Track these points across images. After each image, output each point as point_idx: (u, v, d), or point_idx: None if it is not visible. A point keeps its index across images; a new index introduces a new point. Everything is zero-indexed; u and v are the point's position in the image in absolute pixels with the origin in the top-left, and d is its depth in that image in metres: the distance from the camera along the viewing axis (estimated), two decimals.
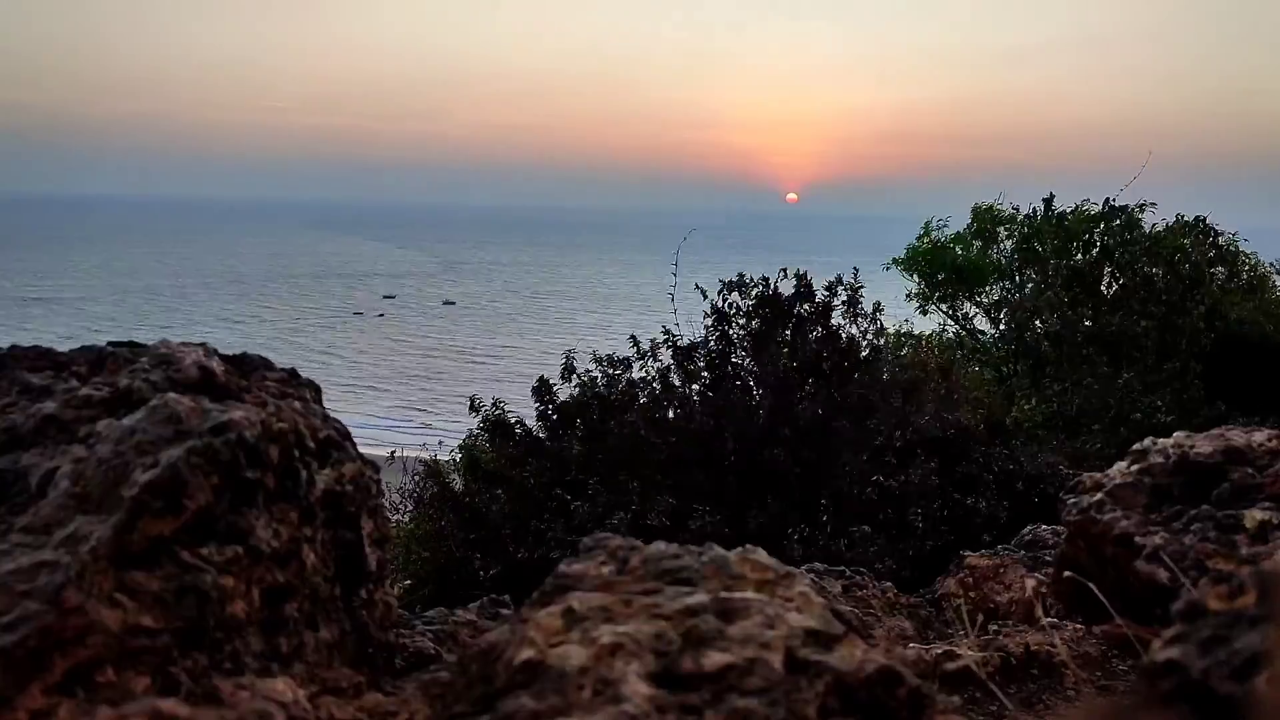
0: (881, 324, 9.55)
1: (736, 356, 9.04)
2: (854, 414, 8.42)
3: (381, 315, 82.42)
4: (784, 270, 9.39)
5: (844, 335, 9.02)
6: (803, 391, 8.60)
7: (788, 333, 8.92)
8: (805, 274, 9.28)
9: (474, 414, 9.55)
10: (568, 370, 9.36)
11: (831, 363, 8.74)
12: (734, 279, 9.26)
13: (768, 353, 8.79)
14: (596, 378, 9.31)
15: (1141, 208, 15.21)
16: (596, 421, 8.88)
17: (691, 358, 9.07)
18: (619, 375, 9.22)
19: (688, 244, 10.57)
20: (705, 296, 9.33)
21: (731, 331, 9.08)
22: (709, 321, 9.16)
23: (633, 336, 9.55)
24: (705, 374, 9.04)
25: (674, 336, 9.26)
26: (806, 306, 9.04)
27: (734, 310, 9.14)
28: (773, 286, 9.14)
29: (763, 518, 7.73)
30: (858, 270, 9.59)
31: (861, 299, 9.30)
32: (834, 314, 9.07)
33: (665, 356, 9.21)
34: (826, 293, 9.18)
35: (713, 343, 9.06)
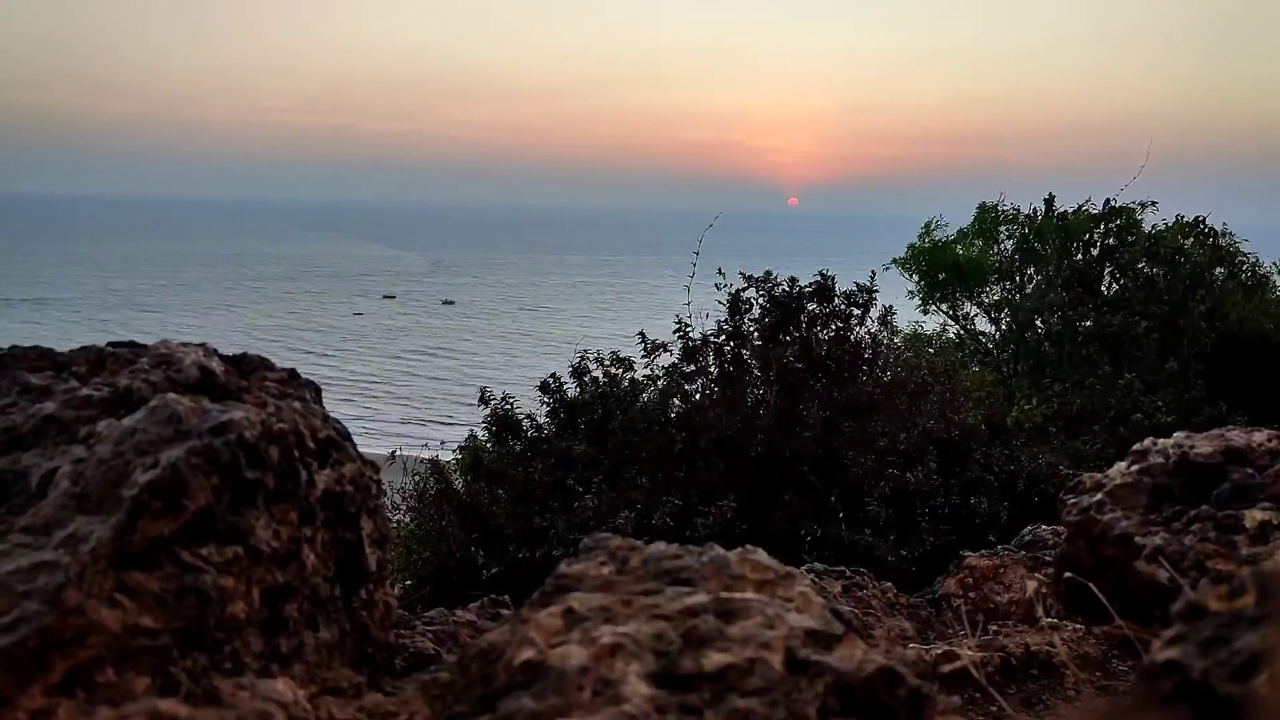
0: (893, 325, 9.61)
1: (747, 348, 9.07)
2: (859, 413, 8.44)
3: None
4: (790, 277, 9.44)
5: (853, 336, 9.06)
6: (810, 390, 8.61)
7: (798, 332, 8.95)
8: (832, 278, 9.33)
9: (483, 405, 9.57)
10: (578, 372, 9.38)
11: (838, 362, 8.77)
12: (758, 275, 9.29)
13: (776, 349, 8.82)
14: (599, 378, 9.33)
15: (1143, 206, 15.24)
16: (600, 420, 8.90)
17: (703, 351, 9.10)
18: (622, 375, 9.25)
19: (687, 248, 10.61)
20: (719, 288, 9.33)
21: (744, 326, 9.11)
22: (724, 312, 9.19)
23: (641, 333, 9.56)
24: (714, 367, 9.07)
25: (687, 327, 9.27)
26: (821, 306, 9.07)
27: (748, 305, 9.17)
28: (789, 285, 9.17)
29: (782, 517, 7.74)
30: (874, 274, 9.65)
31: (875, 302, 9.35)
32: (852, 320, 9.12)
33: (675, 351, 9.23)
34: (844, 302, 9.20)
35: (725, 335, 9.10)
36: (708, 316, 9.35)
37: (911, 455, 8.26)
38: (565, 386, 9.35)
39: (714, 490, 7.97)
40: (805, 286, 9.18)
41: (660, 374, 9.25)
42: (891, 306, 9.59)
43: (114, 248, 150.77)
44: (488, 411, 9.54)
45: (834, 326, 9.00)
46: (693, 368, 9.12)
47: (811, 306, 9.04)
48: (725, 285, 9.35)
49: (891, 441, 8.31)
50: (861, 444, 8.21)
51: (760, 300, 9.15)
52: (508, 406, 9.48)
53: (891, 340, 9.51)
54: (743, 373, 8.97)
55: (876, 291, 9.41)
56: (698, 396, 9.05)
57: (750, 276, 9.28)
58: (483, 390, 9.72)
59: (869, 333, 9.25)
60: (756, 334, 9.06)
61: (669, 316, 9.57)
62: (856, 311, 9.18)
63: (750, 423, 8.34)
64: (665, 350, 9.27)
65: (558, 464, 8.71)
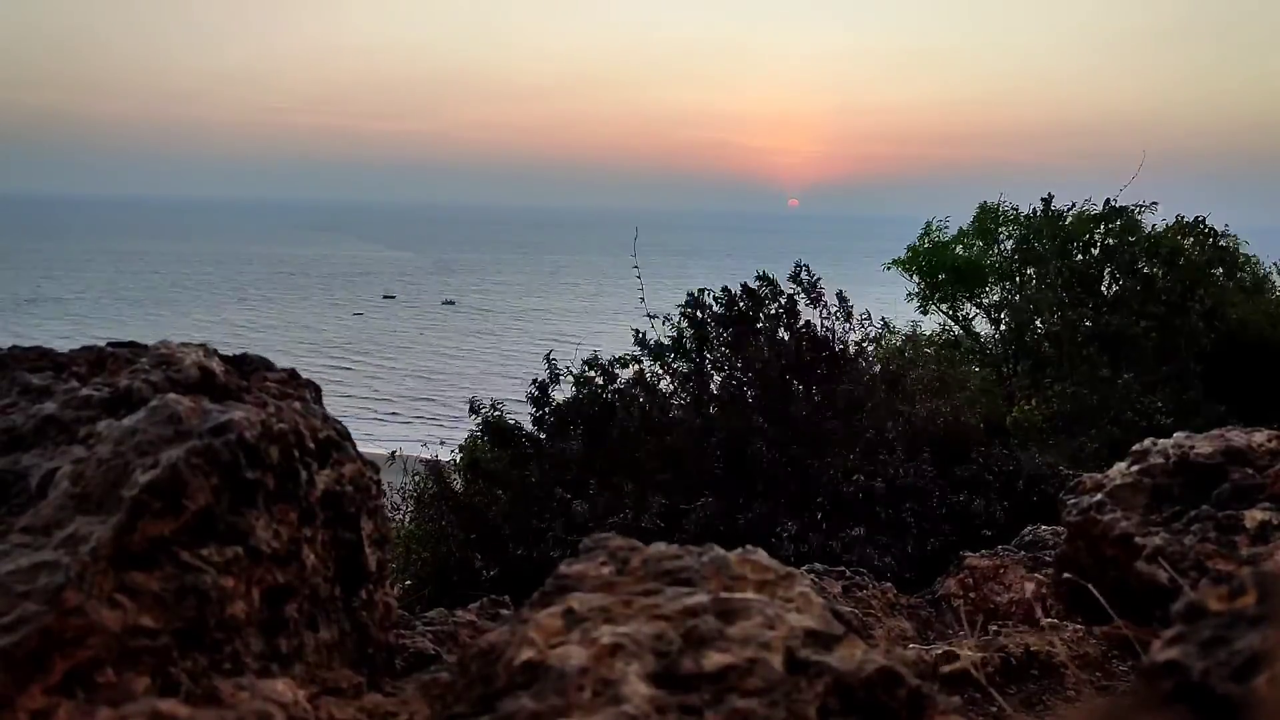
0: (861, 316, 9.63)
1: (714, 353, 9.15)
2: (841, 410, 8.44)
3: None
4: (720, 285, 9.51)
5: (822, 333, 9.09)
6: (790, 390, 8.63)
7: (760, 338, 8.99)
8: (768, 273, 9.42)
9: (474, 416, 9.59)
10: (553, 375, 9.42)
11: (810, 358, 8.80)
12: (694, 293, 9.36)
13: (747, 351, 8.87)
14: (593, 377, 9.35)
15: (1141, 208, 15.24)
16: (595, 422, 8.92)
17: (664, 355, 9.19)
18: (614, 374, 9.28)
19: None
20: (668, 319, 9.45)
21: (710, 334, 9.19)
22: (684, 325, 9.26)
23: (636, 331, 9.63)
24: (683, 366, 9.16)
25: (646, 339, 9.37)
26: (775, 305, 9.12)
27: (708, 320, 9.25)
28: (733, 295, 9.24)
29: (751, 514, 7.74)
30: (807, 265, 9.64)
31: (822, 291, 9.38)
32: (798, 307, 9.17)
33: (645, 360, 9.32)
34: (792, 284, 9.28)
35: (688, 341, 9.17)
36: (670, 320, 9.44)
37: (894, 446, 8.24)
38: (552, 393, 9.39)
39: (692, 488, 8.00)
40: (760, 287, 9.26)
41: (634, 381, 9.32)
42: (842, 292, 9.55)
43: (114, 248, 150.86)
44: (478, 420, 9.57)
45: (789, 325, 9.04)
46: (664, 374, 9.22)
47: (765, 309, 9.10)
48: (679, 311, 9.41)
49: (879, 433, 8.28)
50: (846, 441, 8.20)
51: (717, 307, 9.22)
52: (498, 414, 9.51)
53: (859, 332, 9.47)
54: (709, 375, 9.05)
55: (819, 280, 9.45)
56: (674, 397, 9.13)
57: (694, 298, 9.35)
58: (472, 401, 9.73)
59: (835, 325, 9.27)
60: (720, 336, 9.12)
61: (663, 315, 9.61)
62: (804, 299, 9.22)
63: (729, 424, 8.36)
64: (637, 361, 9.35)
65: (552, 467, 8.73)
